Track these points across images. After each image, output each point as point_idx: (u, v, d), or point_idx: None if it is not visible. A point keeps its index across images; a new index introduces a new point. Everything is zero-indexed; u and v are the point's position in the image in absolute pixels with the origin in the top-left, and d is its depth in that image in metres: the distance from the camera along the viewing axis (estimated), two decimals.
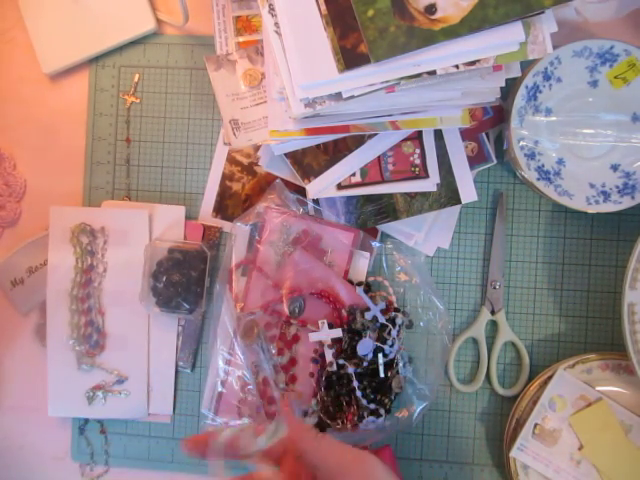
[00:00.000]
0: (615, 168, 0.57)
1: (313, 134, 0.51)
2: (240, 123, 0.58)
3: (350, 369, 0.55)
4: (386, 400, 0.56)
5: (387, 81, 0.45)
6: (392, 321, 0.56)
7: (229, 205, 0.62)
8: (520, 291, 0.60)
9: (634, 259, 0.51)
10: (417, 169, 0.56)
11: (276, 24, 0.46)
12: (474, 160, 0.58)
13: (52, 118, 0.63)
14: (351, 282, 0.58)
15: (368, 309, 0.56)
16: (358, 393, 0.55)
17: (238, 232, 0.59)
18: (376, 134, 0.55)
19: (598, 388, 0.56)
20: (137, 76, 0.63)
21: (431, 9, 0.45)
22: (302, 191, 0.57)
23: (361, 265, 0.59)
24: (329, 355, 0.56)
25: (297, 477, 0.38)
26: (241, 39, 0.60)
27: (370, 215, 0.58)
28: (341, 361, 0.55)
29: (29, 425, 0.63)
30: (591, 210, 0.55)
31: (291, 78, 0.46)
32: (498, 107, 0.58)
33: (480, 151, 0.58)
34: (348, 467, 0.38)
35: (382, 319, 0.56)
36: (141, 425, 0.62)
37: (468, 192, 0.57)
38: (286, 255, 0.58)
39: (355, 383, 0.55)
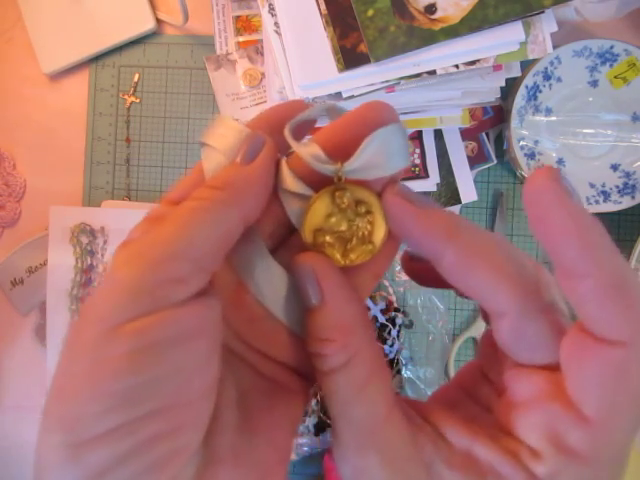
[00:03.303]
0: (615, 168, 0.57)
1: (313, 134, 0.51)
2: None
3: None
4: None
5: (387, 81, 0.45)
6: (392, 321, 0.56)
7: None
8: None
9: (634, 259, 0.51)
10: (417, 169, 0.56)
11: (276, 24, 0.46)
12: (474, 160, 0.58)
13: (52, 118, 0.63)
14: None
15: (368, 309, 0.56)
16: None
17: None
18: None
19: None
20: (137, 76, 0.63)
21: (431, 9, 0.45)
22: None
23: None
24: None
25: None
26: (241, 39, 0.60)
27: None
28: None
29: (29, 425, 0.63)
30: (591, 210, 0.55)
31: (291, 78, 0.46)
32: (498, 107, 0.58)
33: (480, 151, 0.58)
34: None
35: (382, 319, 0.56)
36: None
37: (468, 192, 0.57)
38: None
39: None
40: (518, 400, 0.19)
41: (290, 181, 0.20)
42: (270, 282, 0.21)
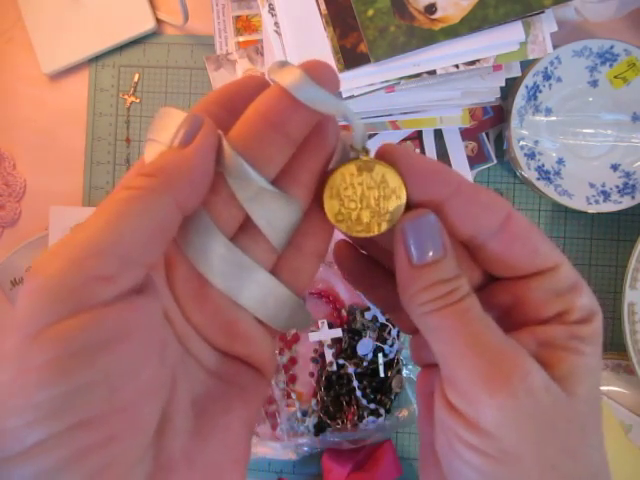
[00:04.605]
0: (615, 168, 0.57)
1: None
2: None
3: (350, 369, 0.55)
4: (386, 400, 0.56)
5: (387, 81, 0.45)
6: (392, 321, 0.56)
7: None
8: None
9: (634, 259, 0.51)
10: None
11: (276, 24, 0.46)
12: (474, 160, 0.58)
13: (52, 118, 0.63)
14: None
15: (368, 309, 0.56)
16: (358, 393, 0.55)
17: None
18: (376, 134, 0.55)
19: None
20: (137, 76, 0.63)
21: (431, 9, 0.45)
22: None
23: None
24: (329, 355, 0.56)
25: None
26: (241, 39, 0.60)
27: None
28: (341, 361, 0.55)
29: None
30: (591, 210, 0.55)
31: None
32: (498, 107, 0.58)
33: (480, 151, 0.58)
34: None
35: (382, 319, 0.56)
36: None
37: None
38: None
39: (355, 383, 0.55)
40: None
41: (234, 164, 0.19)
42: (228, 266, 0.20)
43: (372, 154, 0.21)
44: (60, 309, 0.15)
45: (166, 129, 0.19)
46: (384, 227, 0.20)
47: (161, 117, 0.20)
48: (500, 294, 0.21)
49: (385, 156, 0.21)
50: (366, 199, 0.20)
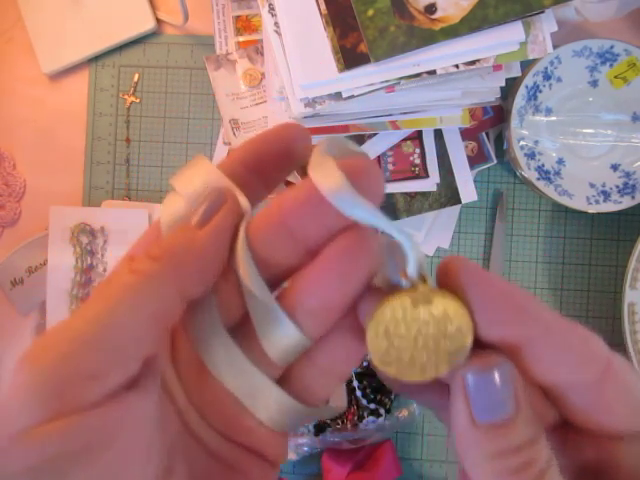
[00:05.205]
0: (615, 168, 0.57)
1: (313, 134, 0.51)
2: (240, 123, 0.58)
3: None
4: (386, 400, 0.56)
5: (387, 81, 0.45)
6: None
7: None
8: None
9: (634, 259, 0.51)
10: (417, 169, 0.56)
11: (276, 24, 0.46)
12: (474, 160, 0.58)
13: (52, 118, 0.63)
14: None
15: None
16: (358, 393, 0.55)
17: None
18: (376, 134, 0.55)
19: None
20: (137, 76, 0.63)
21: (431, 9, 0.45)
22: None
23: None
24: None
25: None
26: (241, 39, 0.60)
27: None
28: None
29: None
30: (591, 210, 0.55)
31: (291, 78, 0.46)
32: (498, 107, 0.58)
33: (480, 151, 0.58)
34: None
35: None
36: None
37: (468, 192, 0.57)
38: None
39: (355, 383, 0.55)
40: None
41: (246, 272, 0.17)
42: (231, 366, 0.18)
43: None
44: (42, 411, 0.14)
45: (190, 182, 0.18)
46: (443, 370, 0.16)
47: (189, 166, 0.18)
48: (580, 447, 0.17)
49: (447, 278, 0.17)
50: (422, 338, 0.16)
